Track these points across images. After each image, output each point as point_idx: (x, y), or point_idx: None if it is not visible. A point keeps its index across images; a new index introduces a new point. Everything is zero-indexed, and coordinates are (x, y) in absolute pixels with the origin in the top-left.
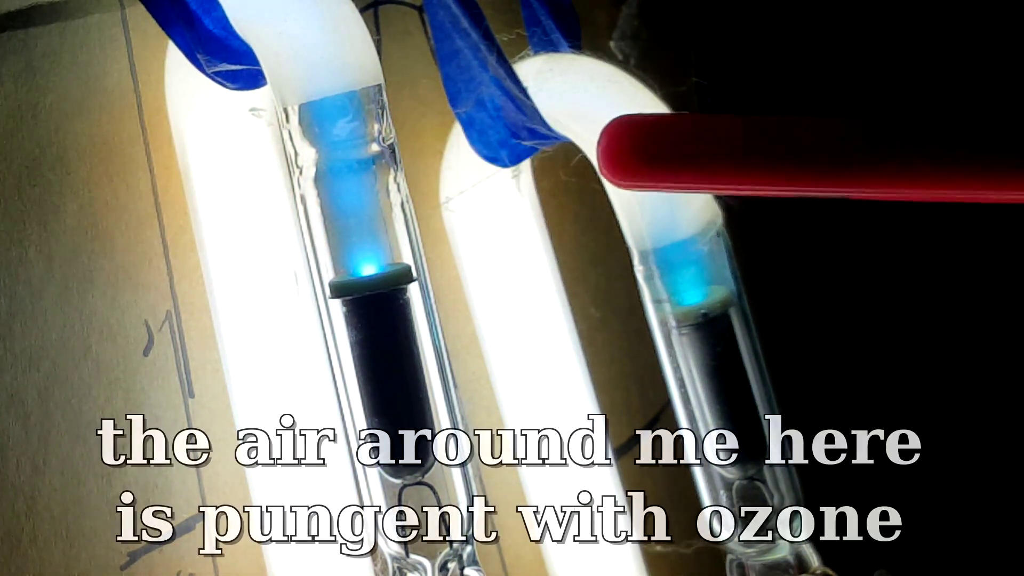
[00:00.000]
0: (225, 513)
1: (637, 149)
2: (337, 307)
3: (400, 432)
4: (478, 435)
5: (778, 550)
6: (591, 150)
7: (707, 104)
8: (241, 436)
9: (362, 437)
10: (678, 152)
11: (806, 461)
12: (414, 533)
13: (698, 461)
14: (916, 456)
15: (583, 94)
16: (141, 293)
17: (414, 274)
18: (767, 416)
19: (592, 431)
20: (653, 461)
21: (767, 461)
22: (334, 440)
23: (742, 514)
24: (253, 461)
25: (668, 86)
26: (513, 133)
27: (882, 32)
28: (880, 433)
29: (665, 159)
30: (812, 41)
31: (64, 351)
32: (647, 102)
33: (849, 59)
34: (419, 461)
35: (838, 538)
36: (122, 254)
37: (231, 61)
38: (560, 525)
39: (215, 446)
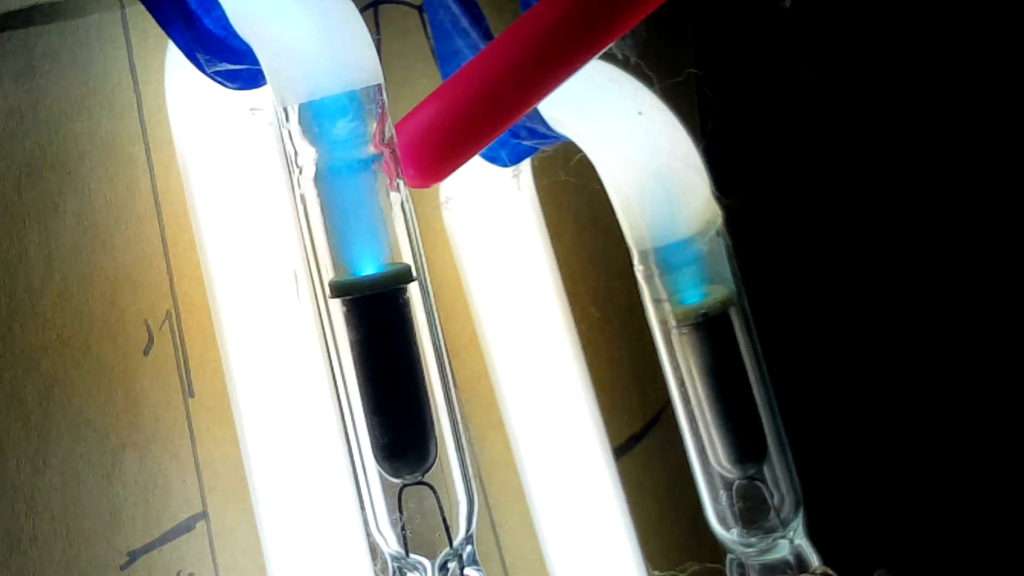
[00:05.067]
0: (225, 513)
1: (427, 151)
2: (337, 307)
3: (400, 432)
4: (478, 435)
5: (778, 550)
6: (591, 150)
7: (705, 95)
8: (241, 435)
9: (362, 437)
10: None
11: (806, 461)
12: (414, 533)
13: (698, 461)
14: (917, 456)
15: (583, 94)
16: (141, 293)
17: (414, 274)
18: (767, 416)
19: (592, 431)
20: (653, 461)
21: (767, 461)
22: (334, 440)
23: (742, 514)
24: (253, 461)
25: (666, 79)
26: (513, 133)
27: (875, 20)
28: (880, 433)
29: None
30: (808, 31)
31: (64, 351)
32: (647, 101)
33: (845, 47)
34: (419, 461)
35: (838, 538)
36: (122, 254)
37: (231, 61)
38: (560, 525)
39: (215, 446)
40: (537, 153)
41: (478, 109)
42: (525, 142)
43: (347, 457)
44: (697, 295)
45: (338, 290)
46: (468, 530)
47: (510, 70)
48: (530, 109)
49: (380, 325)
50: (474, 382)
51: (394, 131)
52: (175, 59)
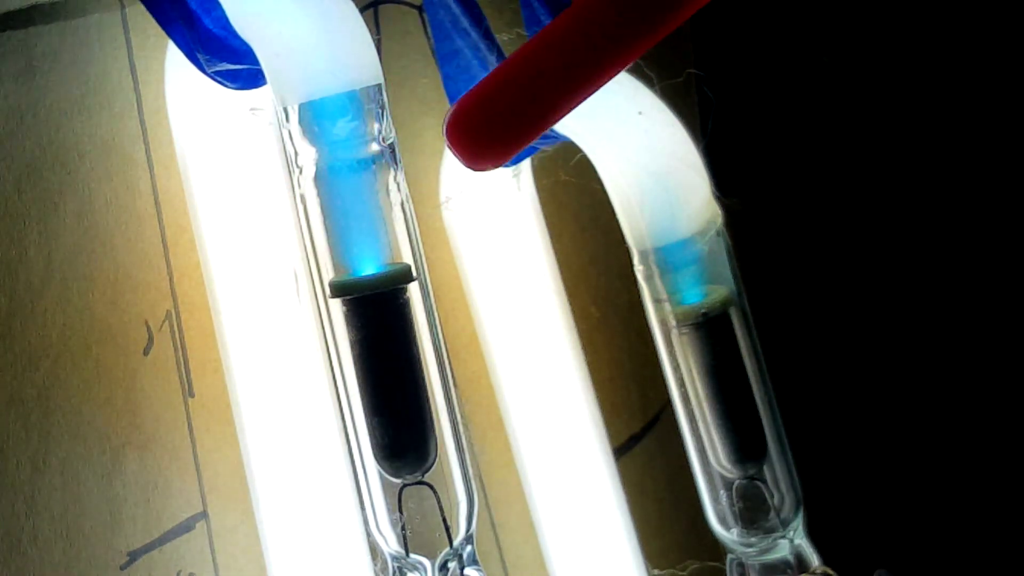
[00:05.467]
0: (225, 513)
1: (482, 130)
2: (337, 307)
3: (400, 432)
4: (478, 435)
5: (778, 550)
6: (591, 150)
7: (705, 95)
8: (241, 435)
9: (362, 437)
10: (513, 111)
11: (806, 461)
12: (414, 533)
13: (698, 461)
14: (917, 455)
15: None
16: (141, 293)
17: (414, 274)
18: (767, 416)
19: (592, 431)
20: (653, 461)
21: (767, 461)
22: (334, 440)
23: (742, 514)
24: (253, 461)
25: (666, 79)
26: None
27: (875, 20)
28: (880, 433)
29: (506, 123)
30: (808, 30)
31: (64, 351)
32: (647, 101)
33: (845, 45)
34: (419, 461)
35: (838, 538)
36: (122, 254)
37: (231, 61)
38: (560, 524)
39: (215, 446)
40: (537, 153)
41: (541, 83)
42: None
43: (347, 457)
44: (697, 295)
45: (338, 290)
46: (468, 530)
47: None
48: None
49: (380, 325)
50: (474, 382)
51: (394, 131)
52: (175, 59)
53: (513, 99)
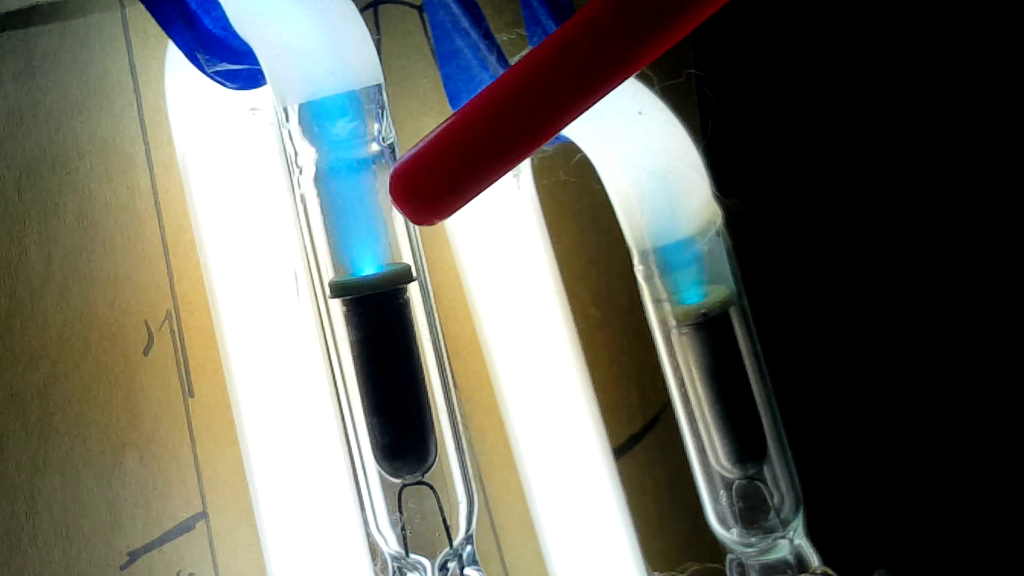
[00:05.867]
0: (225, 513)
1: (424, 188)
2: (337, 307)
3: (400, 432)
4: (478, 435)
5: (778, 550)
6: (591, 150)
7: (705, 95)
8: (241, 435)
9: (362, 437)
10: (459, 172)
11: (806, 461)
12: (414, 533)
13: (698, 461)
14: (917, 456)
15: None
16: (141, 293)
17: (414, 274)
18: (767, 416)
19: (592, 431)
20: (653, 461)
21: (767, 461)
22: (334, 440)
23: (742, 514)
24: (253, 461)
25: (666, 79)
26: None
27: (874, 19)
28: (881, 433)
29: (451, 184)
30: (807, 29)
31: (64, 351)
32: (647, 101)
33: (844, 47)
34: (419, 461)
35: (838, 538)
36: (122, 254)
37: (231, 61)
38: (560, 525)
39: (215, 446)
40: (537, 153)
41: (481, 139)
42: None
43: (347, 457)
44: (697, 295)
45: (338, 290)
46: (468, 530)
47: (521, 96)
48: (543, 143)
49: (380, 325)
50: (474, 382)
51: (394, 131)
52: (175, 59)
53: (453, 159)
